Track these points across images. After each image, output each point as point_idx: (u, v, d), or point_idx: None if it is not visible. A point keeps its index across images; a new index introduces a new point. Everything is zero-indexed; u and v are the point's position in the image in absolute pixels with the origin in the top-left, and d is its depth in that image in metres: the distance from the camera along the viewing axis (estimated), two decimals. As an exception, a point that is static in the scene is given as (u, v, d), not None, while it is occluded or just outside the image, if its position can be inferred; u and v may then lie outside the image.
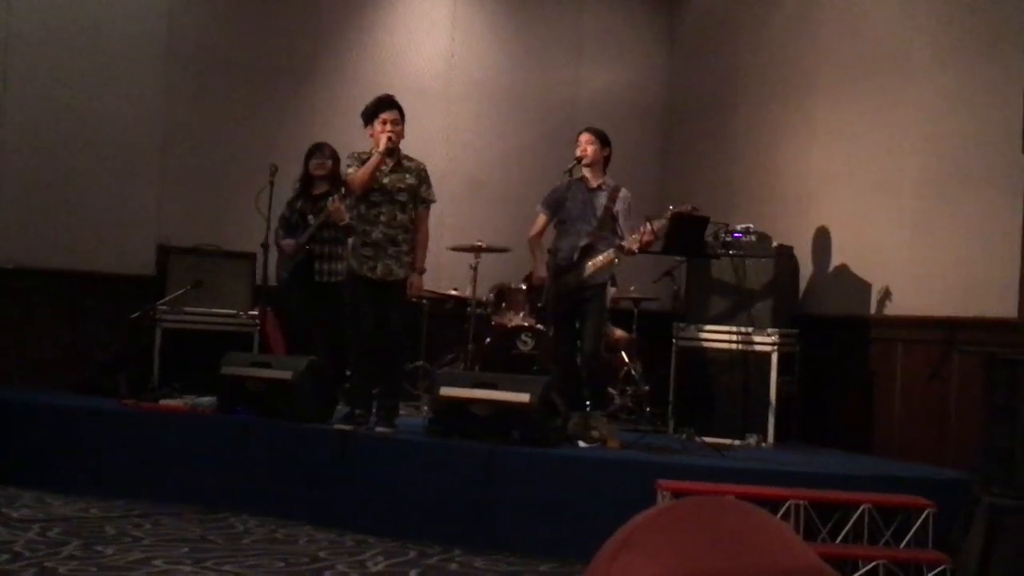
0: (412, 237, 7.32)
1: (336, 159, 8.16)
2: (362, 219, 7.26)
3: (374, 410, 7.30)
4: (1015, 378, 5.74)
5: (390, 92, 7.64)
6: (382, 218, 7.21)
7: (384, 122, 7.22)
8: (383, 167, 7.22)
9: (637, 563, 1.16)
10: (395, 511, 6.69)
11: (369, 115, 7.33)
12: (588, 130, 7.54)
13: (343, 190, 7.68)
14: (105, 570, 5.35)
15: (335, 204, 7.77)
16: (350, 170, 7.25)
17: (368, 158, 7.21)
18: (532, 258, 7.59)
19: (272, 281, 8.18)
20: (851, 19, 8.39)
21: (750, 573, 1.20)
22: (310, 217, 8.09)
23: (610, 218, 7.38)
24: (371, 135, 7.32)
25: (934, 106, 7.49)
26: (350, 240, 7.45)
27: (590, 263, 7.25)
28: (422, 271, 7.39)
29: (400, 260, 7.24)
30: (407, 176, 7.32)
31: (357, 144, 7.60)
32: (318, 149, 8.30)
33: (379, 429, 7.14)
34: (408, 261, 7.28)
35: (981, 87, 7.13)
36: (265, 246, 8.02)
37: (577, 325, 7.35)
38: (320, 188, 8.20)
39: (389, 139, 7.15)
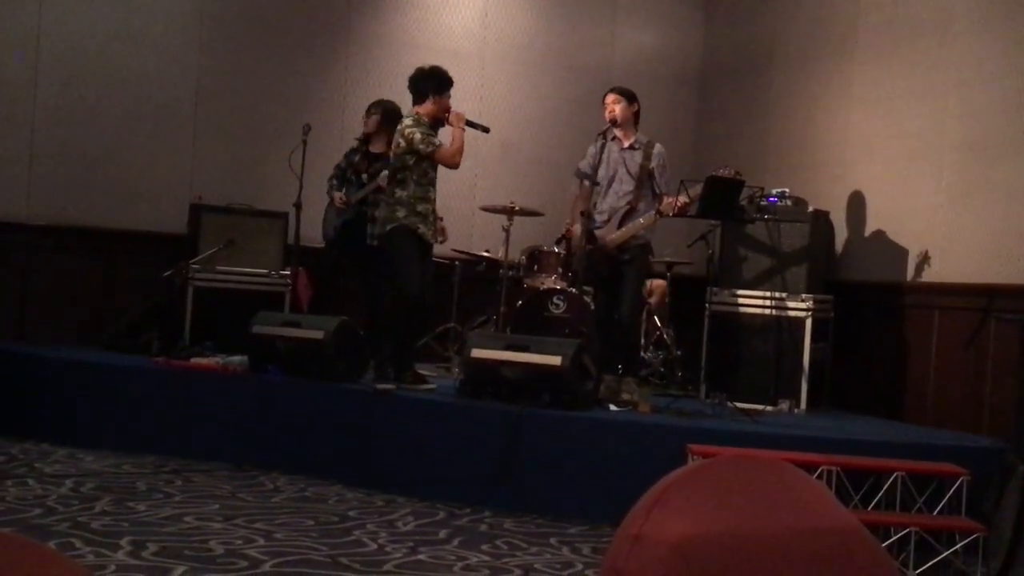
0: None
1: (387, 114, 8.11)
2: (431, 185, 7.34)
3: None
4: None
5: (423, 53, 7.61)
6: (435, 184, 7.38)
7: (450, 96, 7.41)
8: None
9: (671, 520, 1.13)
10: (425, 472, 6.69)
11: (439, 86, 7.38)
12: (612, 90, 7.51)
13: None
14: (137, 525, 5.38)
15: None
16: (437, 141, 7.27)
17: (432, 125, 7.33)
18: (571, 223, 7.59)
19: (306, 241, 8.18)
20: (892, -19, 8.27)
21: (785, 532, 1.16)
22: (364, 176, 8.08)
23: (647, 176, 7.35)
24: (435, 103, 7.34)
25: (975, 70, 7.37)
26: (414, 204, 7.26)
27: (630, 225, 7.22)
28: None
29: (435, 223, 7.49)
30: None
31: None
32: (371, 106, 8.35)
33: (424, 387, 7.28)
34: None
35: (1021, 52, 7.01)
36: (298, 206, 8.02)
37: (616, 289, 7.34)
38: (378, 146, 8.18)
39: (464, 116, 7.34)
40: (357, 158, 8.24)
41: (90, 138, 8.95)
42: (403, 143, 7.23)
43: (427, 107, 7.33)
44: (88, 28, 8.96)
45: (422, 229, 7.26)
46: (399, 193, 7.25)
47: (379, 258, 7.73)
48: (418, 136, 7.18)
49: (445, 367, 8.44)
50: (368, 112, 8.35)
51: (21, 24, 8.74)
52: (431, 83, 7.37)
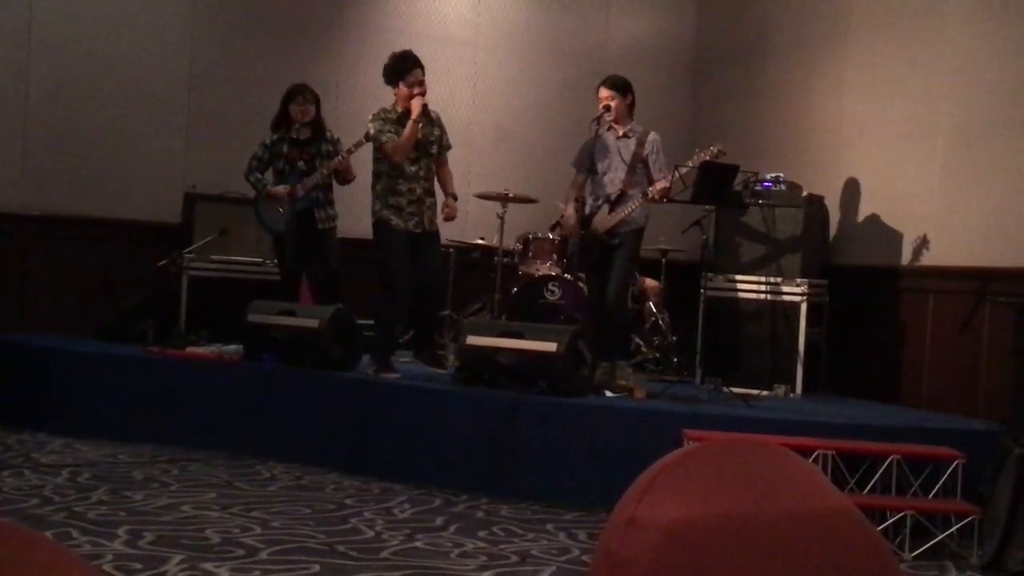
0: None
1: (318, 103, 8.08)
2: (405, 177, 7.33)
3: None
4: (1048, 329, 5.68)
5: (417, 40, 7.56)
6: (421, 172, 7.40)
7: (412, 84, 7.30)
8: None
9: (664, 504, 1.13)
10: (421, 459, 6.70)
11: (395, 75, 7.36)
12: (605, 83, 7.43)
13: (350, 148, 7.76)
14: (134, 515, 5.39)
15: (347, 160, 7.86)
16: (384, 137, 7.27)
17: (394, 118, 7.33)
18: (565, 209, 7.60)
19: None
20: (885, -36, 8.25)
21: (779, 515, 1.17)
22: (301, 164, 7.97)
23: (641, 163, 7.34)
24: (396, 94, 7.36)
25: (968, 53, 7.37)
26: (385, 196, 7.36)
27: (619, 209, 7.22)
28: (455, 198, 7.64)
29: (435, 209, 7.51)
30: (434, 129, 7.54)
31: (382, 92, 7.58)
32: (299, 91, 8.06)
33: (439, 371, 7.47)
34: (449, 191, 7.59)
35: (1016, 34, 7.01)
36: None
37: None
38: (304, 133, 8.06)
39: (424, 104, 7.29)
40: (285, 148, 8.07)
41: (83, 127, 8.94)
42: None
43: (393, 99, 7.42)
44: (80, 16, 8.93)
45: (395, 220, 7.34)
46: (376, 186, 7.41)
47: (329, 241, 8.00)
48: (373, 131, 7.31)
49: (441, 354, 8.43)
50: (304, 99, 8.03)
51: (13, 13, 8.71)
52: (386, 74, 7.42)
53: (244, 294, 8.08)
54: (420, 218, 7.40)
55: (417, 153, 7.39)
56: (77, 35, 8.92)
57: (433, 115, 7.57)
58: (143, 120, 9.12)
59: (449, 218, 7.61)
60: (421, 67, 7.41)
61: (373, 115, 7.40)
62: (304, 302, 8.54)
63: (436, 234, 7.59)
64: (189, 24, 9.29)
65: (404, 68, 7.33)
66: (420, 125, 7.33)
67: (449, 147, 7.69)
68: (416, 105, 7.25)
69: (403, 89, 7.32)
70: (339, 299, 7.74)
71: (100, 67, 8.99)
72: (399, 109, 7.37)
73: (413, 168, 7.37)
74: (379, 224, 7.39)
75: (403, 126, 7.31)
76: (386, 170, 7.36)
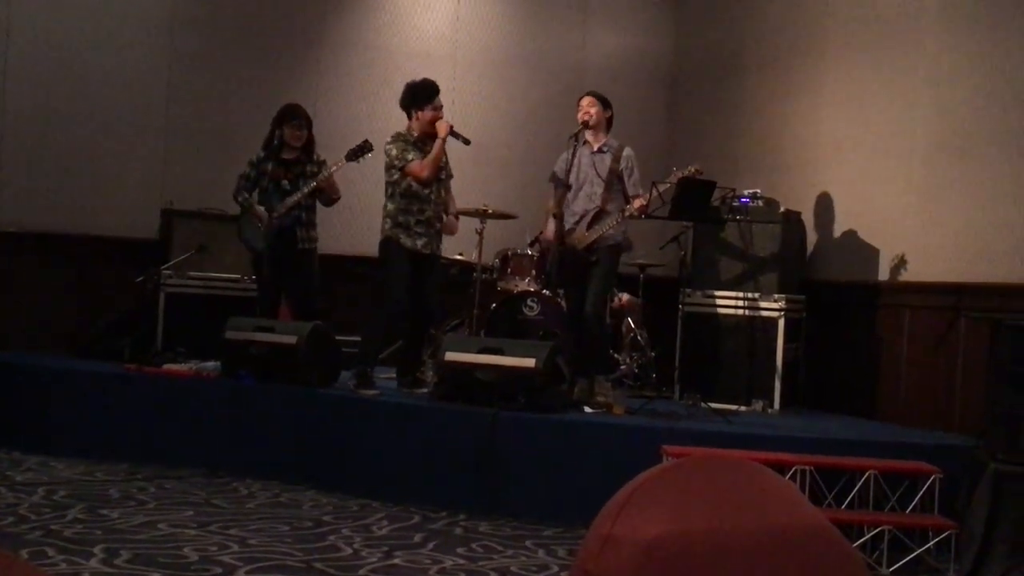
0: None
1: (311, 125, 8.09)
2: (416, 198, 7.47)
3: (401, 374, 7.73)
4: (1022, 344, 5.71)
5: (396, 56, 7.56)
6: (433, 197, 7.52)
7: (438, 108, 7.55)
8: (427, 149, 7.47)
9: (640, 521, 1.13)
10: (400, 476, 6.69)
11: (422, 99, 7.53)
12: (590, 94, 7.53)
13: (335, 166, 7.85)
14: (110, 533, 5.35)
15: (331, 179, 7.88)
16: (409, 156, 7.42)
17: (413, 140, 7.49)
18: (546, 227, 7.63)
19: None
20: (860, -18, 8.31)
21: (755, 531, 1.17)
22: (284, 183, 7.97)
23: (617, 179, 7.37)
24: (418, 117, 7.52)
25: (943, 70, 7.42)
26: (396, 216, 7.46)
27: (597, 226, 7.24)
28: (458, 216, 8.00)
29: (440, 233, 7.65)
30: (445, 156, 7.66)
31: (359, 108, 7.62)
32: (293, 115, 8.03)
33: (419, 390, 7.49)
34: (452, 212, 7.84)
35: (991, 51, 7.06)
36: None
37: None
38: (291, 153, 8.06)
39: (451, 126, 7.49)
40: (271, 166, 8.05)
41: (60, 143, 8.90)
42: (387, 160, 7.49)
43: (413, 124, 7.56)
44: (57, 33, 8.90)
45: (403, 239, 7.43)
46: (388, 207, 7.52)
47: (309, 262, 8.02)
48: (394, 153, 7.45)
49: (420, 371, 8.41)
50: (299, 124, 7.99)
51: (-11, 30, 8.69)
52: (407, 99, 7.59)
53: (222, 311, 8.06)
54: (429, 239, 7.50)
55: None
56: (54, 52, 8.89)
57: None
58: (121, 136, 9.09)
59: (449, 231, 7.86)
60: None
61: (392, 138, 7.53)
62: (283, 320, 8.53)
63: (437, 256, 7.67)
64: (167, 40, 9.27)
65: (431, 93, 7.54)
66: (421, 146, 7.47)
67: (451, 176, 7.81)
68: (443, 127, 7.45)
69: (428, 113, 7.49)
70: (315, 319, 7.72)
71: (77, 83, 8.96)
72: (415, 133, 7.51)
73: (426, 191, 7.48)
74: (387, 242, 7.48)
75: (422, 149, 7.46)
76: (399, 192, 7.46)
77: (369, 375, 7.35)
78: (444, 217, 7.69)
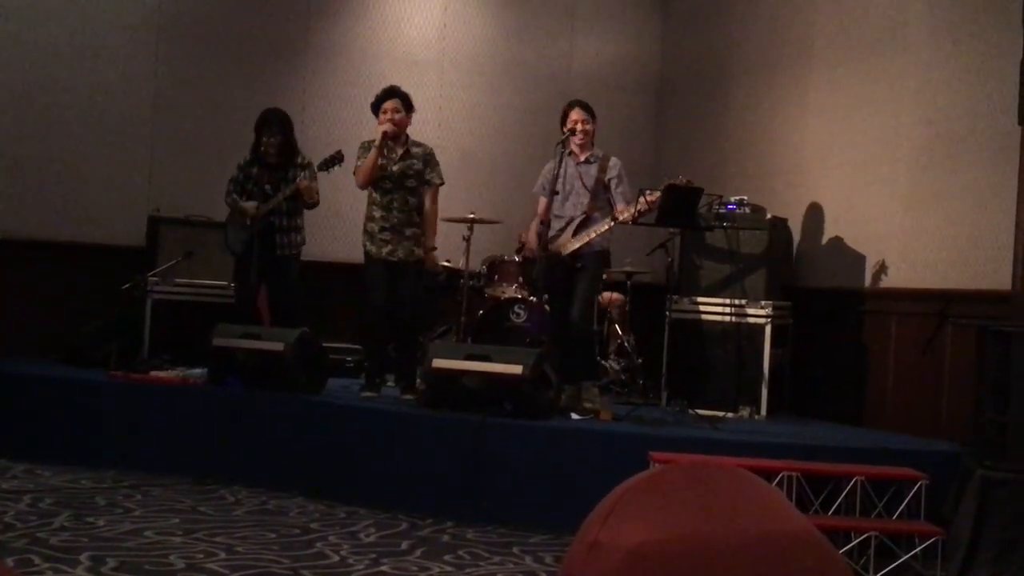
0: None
1: (288, 129, 8.09)
2: (378, 205, 7.56)
3: (391, 379, 7.80)
4: (1008, 351, 5.73)
5: (382, 63, 7.58)
6: (395, 204, 7.53)
7: (384, 111, 7.55)
8: (392, 155, 7.52)
9: (626, 527, 1.13)
10: (387, 483, 6.68)
11: (375, 106, 7.63)
12: (580, 106, 7.46)
13: (311, 170, 7.93)
14: (96, 541, 5.34)
15: (305, 183, 7.88)
16: (359, 162, 7.56)
17: (368, 146, 7.56)
18: (528, 233, 7.63)
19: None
20: (846, -10, 8.34)
21: (740, 538, 1.18)
22: (267, 187, 7.98)
23: (602, 188, 7.37)
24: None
25: (929, 79, 7.45)
26: (364, 224, 7.63)
27: (583, 233, 7.24)
28: (430, 249, 7.69)
29: (417, 240, 7.59)
30: (414, 162, 7.61)
31: (345, 114, 7.64)
32: (265, 121, 8.07)
33: (405, 396, 7.43)
34: (423, 241, 7.63)
35: (976, 59, 7.09)
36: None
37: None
38: (272, 158, 8.05)
39: (384, 132, 7.47)
40: (255, 170, 8.07)
41: (46, 151, 8.88)
42: None
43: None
44: (43, 40, 8.88)
45: (368, 246, 7.58)
46: (367, 224, 7.66)
47: (287, 268, 8.04)
48: (356, 164, 7.62)
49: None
50: (270, 131, 8.00)
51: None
52: (373, 108, 7.69)
53: (208, 317, 8.04)
54: (395, 247, 7.50)
55: (391, 184, 7.52)
56: (39, 59, 8.87)
57: (418, 151, 7.65)
58: (107, 143, 9.07)
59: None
60: (399, 96, 7.60)
61: (359, 146, 7.66)
62: (263, 318, 8.51)
63: (416, 264, 7.59)
64: (153, 47, 9.26)
65: (381, 99, 7.61)
66: (396, 155, 7.51)
67: (432, 184, 7.63)
68: (377, 131, 7.49)
69: (380, 118, 7.56)
70: (293, 324, 7.70)
71: (63, 91, 8.94)
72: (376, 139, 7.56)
73: (386, 199, 7.51)
74: (363, 249, 7.65)
75: (387, 156, 7.55)
76: (368, 199, 7.62)
77: (371, 378, 7.56)
78: (415, 223, 7.61)
